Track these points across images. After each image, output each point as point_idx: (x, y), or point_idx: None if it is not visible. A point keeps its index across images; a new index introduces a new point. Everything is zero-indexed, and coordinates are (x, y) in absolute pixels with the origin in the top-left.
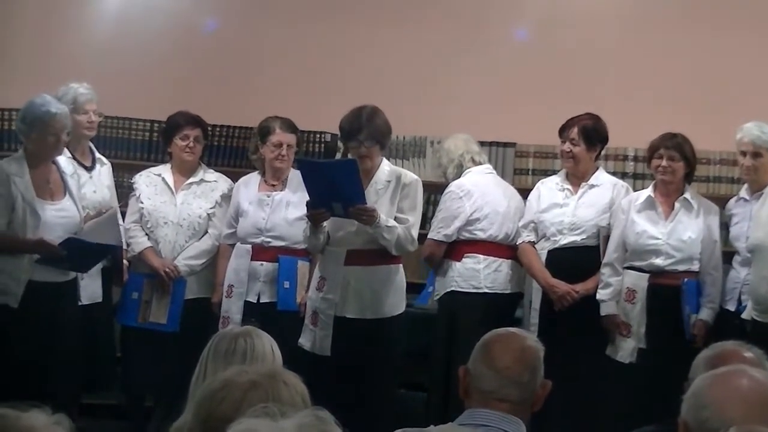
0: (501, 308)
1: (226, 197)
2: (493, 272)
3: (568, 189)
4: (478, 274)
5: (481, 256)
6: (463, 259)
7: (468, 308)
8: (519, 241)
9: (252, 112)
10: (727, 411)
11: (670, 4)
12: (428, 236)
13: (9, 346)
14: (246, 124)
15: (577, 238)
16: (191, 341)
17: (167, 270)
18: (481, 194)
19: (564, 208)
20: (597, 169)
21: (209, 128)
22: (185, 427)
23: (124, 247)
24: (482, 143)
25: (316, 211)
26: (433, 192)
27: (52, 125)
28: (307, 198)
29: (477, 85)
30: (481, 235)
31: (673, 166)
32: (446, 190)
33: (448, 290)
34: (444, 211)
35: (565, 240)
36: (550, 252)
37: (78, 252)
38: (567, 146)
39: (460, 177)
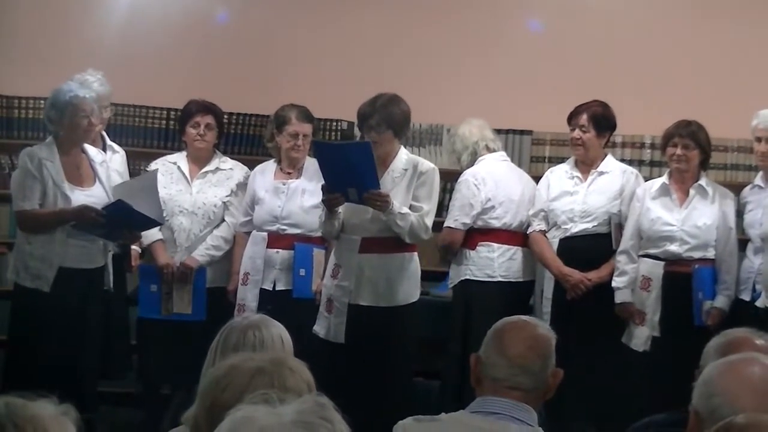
0: (515, 296)
1: (242, 185)
2: (507, 260)
3: (577, 177)
4: (493, 262)
5: (495, 245)
6: (477, 248)
7: (482, 297)
8: (530, 230)
9: (268, 100)
10: (737, 399)
11: None
12: (445, 225)
13: (39, 330)
14: (262, 112)
15: (589, 226)
16: (207, 330)
17: (167, 271)
18: (495, 182)
19: (574, 196)
20: (606, 156)
21: (225, 116)
22: (192, 415)
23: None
24: (499, 131)
25: (331, 196)
26: (450, 180)
27: (83, 108)
28: (321, 183)
29: (494, 73)
30: (495, 223)
31: (688, 155)
32: (461, 178)
33: (463, 279)
34: (460, 199)
35: (576, 228)
36: (561, 240)
37: (120, 220)
38: (577, 133)
39: (473, 164)
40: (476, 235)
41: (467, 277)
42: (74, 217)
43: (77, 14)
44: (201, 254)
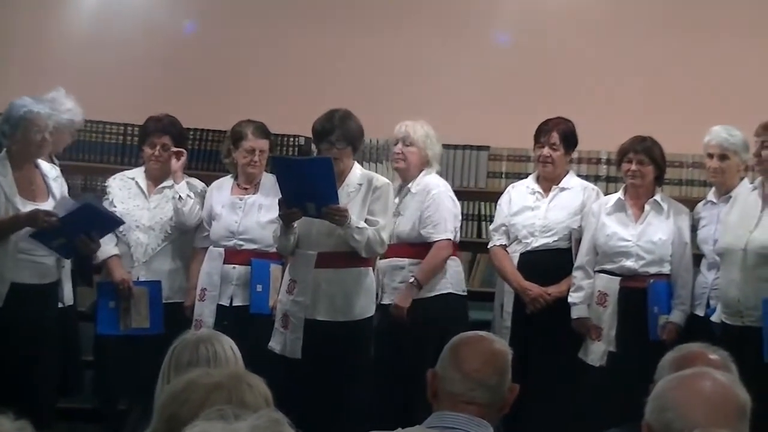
0: None
1: (198, 194)
2: (461, 274)
3: (539, 192)
4: (461, 275)
5: (458, 260)
6: (449, 262)
7: (462, 311)
8: (490, 244)
9: (226, 116)
10: (690, 413)
11: (644, 10)
12: (443, 237)
13: None
14: (219, 128)
15: (549, 240)
16: (165, 345)
17: (122, 287)
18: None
19: (535, 211)
20: (567, 172)
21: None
22: (149, 430)
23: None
24: (456, 146)
25: (289, 210)
26: None
27: (36, 123)
28: (279, 198)
29: (451, 89)
30: (458, 236)
31: (643, 170)
32: (437, 190)
33: (444, 292)
34: (446, 211)
35: (537, 242)
36: (522, 255)
37: (80, 226)
38: (547, 151)
39: (424, 170)
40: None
41: (449, 290)
42: (27, 222)
43: (34, 28)
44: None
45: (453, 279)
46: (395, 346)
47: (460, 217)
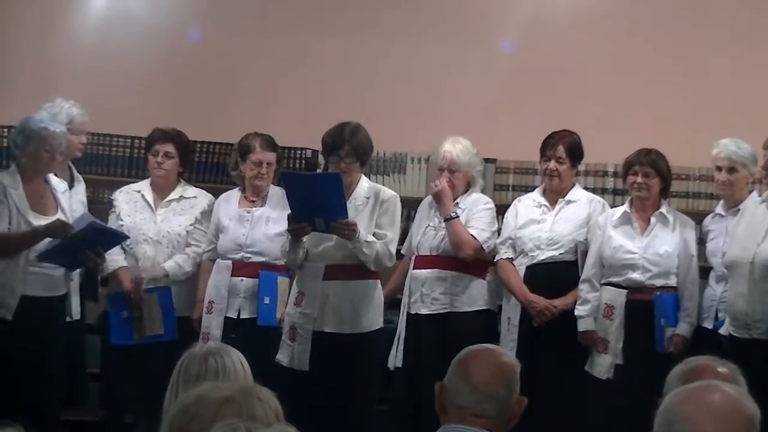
0: None
1: (207, 213)
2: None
3: (545, 205)
4: (492, 291)
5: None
6: (487, 277)
7: (493, 327)
8: (497, 257)
9: (233, 128)
10: (698, 426)
11: (650, 21)
12: (479, 239)
13: (1, 359)
14: (227, 140)
15: (555, 253)
16: (172, 357)
17: (134, 296)
18: None
19: (541, 224)
20: (573, 185)
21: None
22: None
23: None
24: None
25: (297, 225)
26: (414, 207)
27: (48, 142)
28: (288, 212)
29: (458, 102)
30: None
31: (648, 183)
32: (488, 205)
33: (486, 308)
34: (488, 225)
35: (543, 255)
36: (528, 268)
37: (87, 243)
38: (553, 164)
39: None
40: (485, 263)
41: (489, 306)
42: (47, 232)
43: (40, 42)
44: (168, 264)
45: (488, 294)
46: (427, 356)
47: (494, 240)
